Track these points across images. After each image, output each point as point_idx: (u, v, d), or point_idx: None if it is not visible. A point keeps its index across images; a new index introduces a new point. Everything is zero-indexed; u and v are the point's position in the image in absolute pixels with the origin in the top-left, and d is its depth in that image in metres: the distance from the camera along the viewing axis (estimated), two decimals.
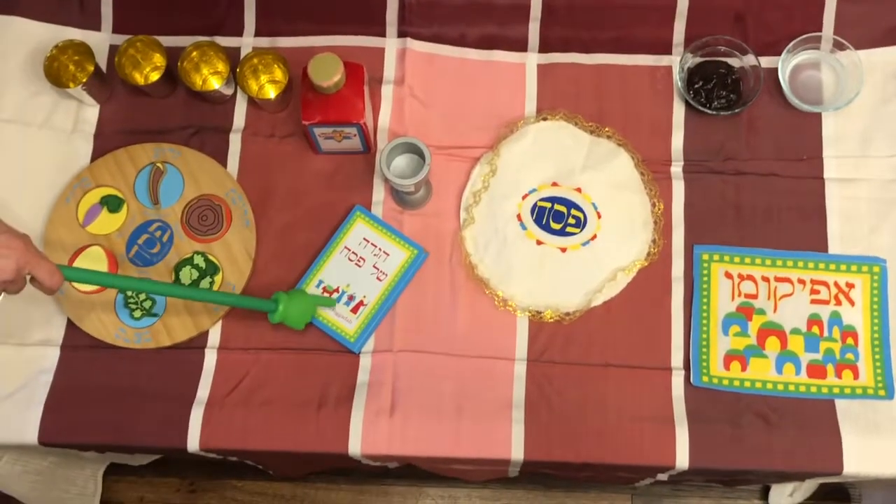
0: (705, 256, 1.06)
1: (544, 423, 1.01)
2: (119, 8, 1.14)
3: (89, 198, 1.09)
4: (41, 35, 1.13)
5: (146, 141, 1.11)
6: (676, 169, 1.09)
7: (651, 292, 1.06)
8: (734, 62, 1.11)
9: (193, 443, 1.01)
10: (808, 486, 1.25)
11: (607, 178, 1.08)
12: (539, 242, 1.07)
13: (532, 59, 1.12)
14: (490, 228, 1.07)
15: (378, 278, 1.05)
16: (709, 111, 1.09)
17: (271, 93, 1.13)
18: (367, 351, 1.05)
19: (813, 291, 1.03)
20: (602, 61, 1.12)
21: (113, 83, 1.14)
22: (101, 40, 1.14)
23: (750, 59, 1.09)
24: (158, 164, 1.10)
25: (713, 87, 1.10)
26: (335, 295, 1.05)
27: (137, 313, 1.06)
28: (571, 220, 1.07)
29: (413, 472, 1.10)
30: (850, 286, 1.04)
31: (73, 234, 1.07)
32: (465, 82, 1.12)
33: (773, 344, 1.03)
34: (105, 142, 1.12)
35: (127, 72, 1.11)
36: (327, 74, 0.96)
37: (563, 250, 1.06)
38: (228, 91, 1.13)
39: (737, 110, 1.08)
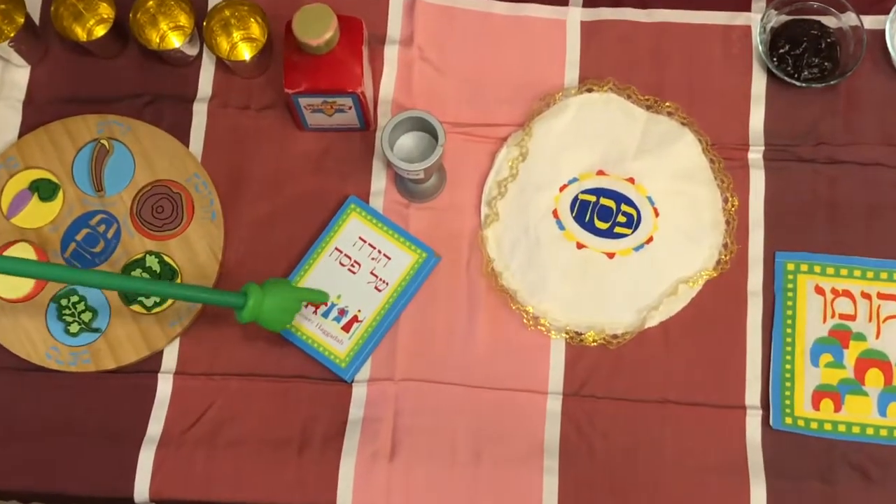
0: (790, 266, 1.06)
1: (584, 474, 1.01)
2: None
3: (15, 182, 1.09)
4: None
5: (88, 112, 1.11)
6: (755, 155, 1.09)
7: (721, 311, 1.05)
8: (830, 22, 1.11)
9: (142, 492, 1.01)
10: None
11: (667, 166, 1.08)
12: (580, 246, 1.07)
13: (574, 15, 1.13)
14: (519, 227, 1.07)
15: (377, 288, 1.05)
16: (797, 83, 1.09)
17: (246, 53, 1.14)
18: (361, 379, 1.05)
19: None
20: (662, 18, 1.12)
21: (48, 39, 1.14)
22: None
23: (850, 18, 1.09)
24: (103, 142, 1.10)
25: (803, 53, 1.10)
26: (322, 309, 1.05)
27: (74, 327, 1.06)
28: (622, 219, 1.07)
29: None
30: None
31: None
32: (490, 43, 1.12)
33: (874, 378, 1.03)
34: (37, 112, 1.12)
35: (65, 25, 1.11)
36: (316, 31, 0.96)
37: (611, 256, 1.06)
38: (192, 51, 1.13)
39: (832, 82, 1.08)
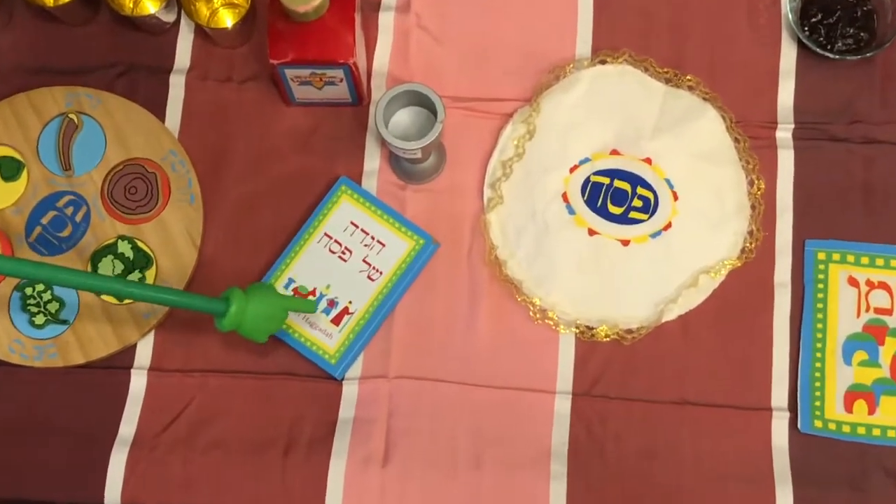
0: (821, 255, 1.06)
1: (595, 480, 1.01)
2: None
3: None
4: None
5: (56, 83, 1.11)
6: (784, 134, 1.09)
7: (746, 304, 1.05)
8: None
9: (114, 498, 1.01)
10: None
11: (688, 146, 1.07)
12: (592, 232, 1.06)
13: None
14: (525, 212, 1.07)
15: (370, 277, 1.05)
16: (830, 55, 1.08)
17: (228, 20, 1.12)
18: (352, 377, 1.05)
19: None
20: None
21: (11, 4, 1.14)
22: None
23: None
24: (72, 116, 1.09)
25: (836, 23, 1.09)
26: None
27: (40, 319, 1.05)
28: (637, 203, 1.06)
29: None
30: None
31: None
32: (494, 10, 1.12)
33: None
34: None
35: None
36: None
37: (626, 243, 1.06)
38: (169, 17, 1.12)
39: (868, 54, 1.07)
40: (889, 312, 1.04)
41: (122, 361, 1.05)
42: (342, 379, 1.04)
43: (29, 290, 1.05)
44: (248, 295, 0.95)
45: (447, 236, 1.07)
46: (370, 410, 1.03)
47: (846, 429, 1.01)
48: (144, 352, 1.05)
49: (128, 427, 1.03)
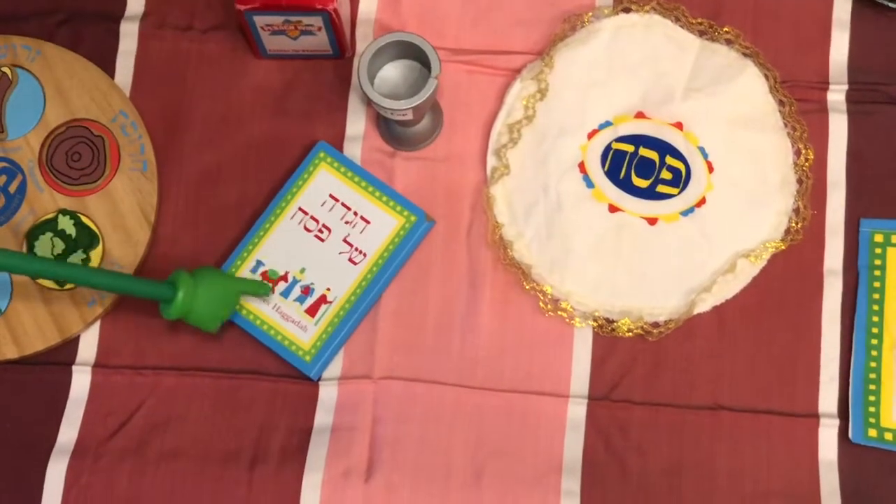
0: (879, 237, 1.02)
1: (614, 499, 0.99)
2: None
3: None
4: None
5: None
6: (836, 96, 1.06)
7: (790, 293, 1.02)
8: None
9: None
10: None
11: (725, 109, 1.05)
12: (614, 208, 1.03)
13: None
14: (536, 184, 1.04)
15: (351, 260, 1.01)
16: (891, 4, 1.05)
17: None
18: (331, 377, 1.02)
19: None
20: None
21: None
22: None
23: None
24: (4, 70, 1.07)
25: None
26: (282, 285, 1.01)
27: None
28: (666, 175, 1.04)
29: None
30: None
31: None
32: None
33: None
34: None
35: None
36: None
37: (652, 222, 1.03)
38: None
39: None
40: None
41: (62, 356, 1.03)
42: (318, 379, 1.02)
43: None
44: (195, 278, 0.95)
45: (443, 212, 1.05)
46: (351, 416, 1.00)
47: None
48: (88, 345, 1.03)
49: (68, 433, 1.00)
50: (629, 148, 1.04)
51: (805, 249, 1.02)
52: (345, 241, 1.02)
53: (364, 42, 1.06)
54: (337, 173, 1.03)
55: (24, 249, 1.02)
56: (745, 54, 1.05)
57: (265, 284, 1.00)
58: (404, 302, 1.02)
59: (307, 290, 1.01)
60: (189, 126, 1.06)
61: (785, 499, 0.97)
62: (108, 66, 1.07)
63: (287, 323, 1.00)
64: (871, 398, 0.98)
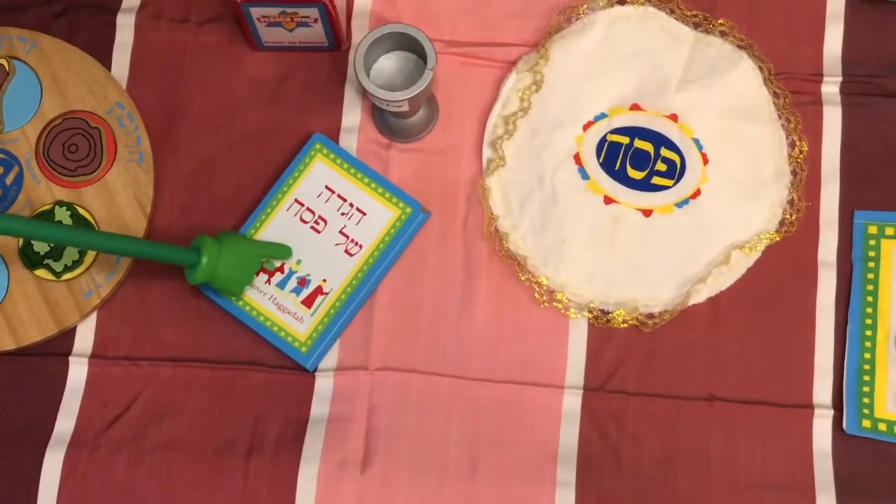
0: (873, 229, 1.03)
1: (608, 490, 0.99)
2: None
3: None
4: None
5: None
6: (831, 88, 1.06)
7: (784, 284, 1.03)
8: None
9: (48, 503, 0.99)
10: None
11: (719, 101, 1.05)
12: (609, 200, 1.04)
13: None
14: (531, 176, 1.05)
15: (347, 252, 1.02)
16: None
17: None
18: (326, 368, 1.02)
19: None
20: None
21: None
22: None
23: None
24: (1, 62, 1.07)
25: None
26: (278, 276, 1.02)
27: None
28: (661, 167, 1.04)
29: None
30: None
31: None
32: None
33: None
34: None
35: None
36: None
37: (647, 214, 1.03)
38: None
39: None
40: None
41: (59, 347, 1.02)
42: (315, 370, 1.02)
43: None
44: (219, 242, 0.95)
45: (439, 204, 1.05)
46: (347, 407, 1.00)
47: None
48: (85, 336, 1.03)
49: (65, 423, 1.00)
50: (624, 140, 1.04)
51: (799, 241, 1.02)
52: (341, 232, 1.02)
53: (360, 34, 1.07)
54: (333, 165, 1.03)
55: (19, 244, 1.02)
56: (739, 46, 1.06)
57: (286, 248, 1.00)
58: (400, 293, 1.02)
59: (303, 282, 1.01)
60: (185, 118, 1.06)
61: (779, 489, 0.97)
62: (105, 58, 1.07)
63: (283, 314, 1.00)
64: (865, 389, 0.98)
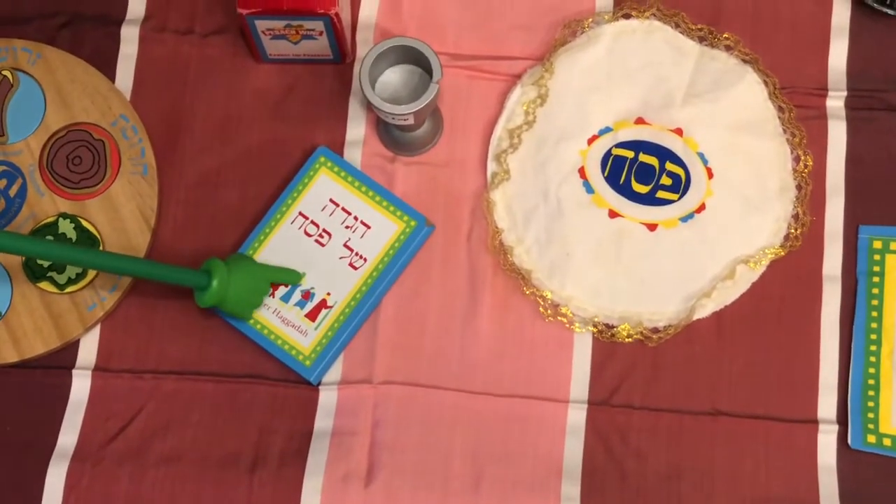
0: (877, 244, 1.02)
1: (614, 503, 0.98)
2: None
3: None
4: None
5: None
6: (835, 103, 1.06)
7: (789, 299, 1.03)
8: None
9: None
10: None
11: (724, 115, 1.06)
12: (614, 214, 1.04)
13: None
14: (535, 189, 1.04)
15: (352, 265, 1.02)
16: (890, 11, 1.06)
17: None
18: (331, 381, 1.02)
19: None
20: None
21: None
22: None
23: None
24: (6, 73, 1.07)
25: None
26: (282, 290, 1.02)
27: None
28: (666, 181, 1.04)
29: None
30: None
31: None
32: None
33: None
34: None
35: None
36: None
37: (652, 228, 1.03)
38: None
39: None
40: None
41: (62, 360, 1.02)
42: (318, 384, 1.02)
43: None
44: (229, 266, 0.95)
45: (443, 217, 1.05)
46: (351, 421, 1.00)
47: None
48: (89, 349, 1.02)
49: (68, 437, 1.00)
50: (629, 153, 1.04)
51: (804, 256, 1.02)
52: (345, 245, 1.02)
53: (364, 47, 1.07)
54: (337, 178, 1.03)
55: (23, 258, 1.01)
56: (744, 60, 1.06)
57: (296, 273, 1.00)
58: (404, 307, 1.02)
59: (307, 295, 1.01)
60: (189, 130, 1.06)
61: (784, 503, 0.96)
62: (109, 70, 1.07)
63: (287, 327, 1.00)
64: (870, 404, 0.98)
